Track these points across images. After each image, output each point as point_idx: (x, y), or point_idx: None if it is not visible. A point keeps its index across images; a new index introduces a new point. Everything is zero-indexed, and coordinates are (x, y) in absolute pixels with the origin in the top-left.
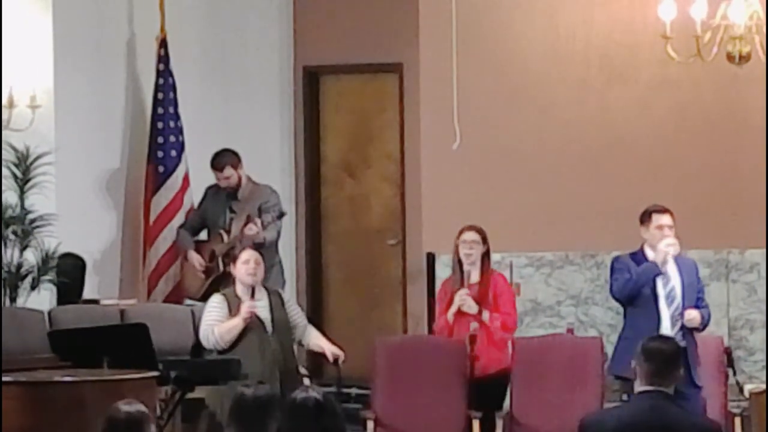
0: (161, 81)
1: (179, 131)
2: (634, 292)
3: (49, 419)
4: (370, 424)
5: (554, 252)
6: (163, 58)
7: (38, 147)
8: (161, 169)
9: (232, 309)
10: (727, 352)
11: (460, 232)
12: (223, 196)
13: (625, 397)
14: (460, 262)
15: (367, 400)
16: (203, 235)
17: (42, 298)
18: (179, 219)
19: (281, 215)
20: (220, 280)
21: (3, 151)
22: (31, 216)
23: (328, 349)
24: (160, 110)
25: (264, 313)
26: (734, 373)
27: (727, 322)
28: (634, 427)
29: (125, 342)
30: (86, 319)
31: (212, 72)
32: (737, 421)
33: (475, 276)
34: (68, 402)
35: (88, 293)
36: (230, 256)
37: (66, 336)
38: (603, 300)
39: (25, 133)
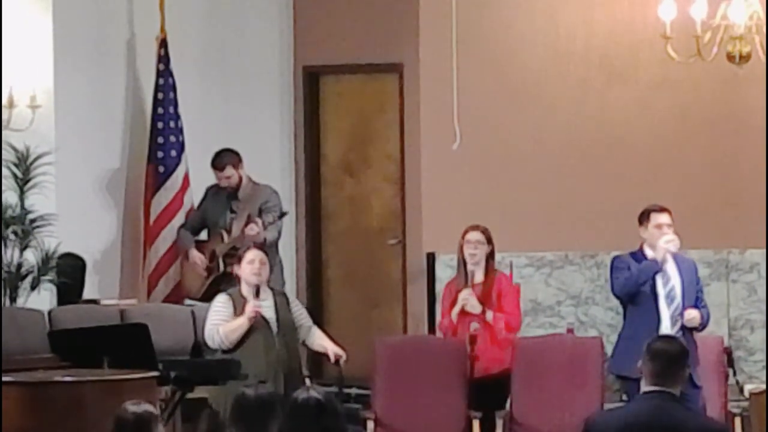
0: (161, 81)
1: (179, 131)
2: (635, 289)
3: (49, 419)
4: (370, 424)
5: (554, 252)
6: (163, 58)
7: (38, 147)
8: (161, 169)
9: (238, 309)
10: (727, 352)
11: (465, 232)
12: (223, 196)
13: (624, 396)
14: (464, 262)
15: (367, 400)
16: (203, 235)
17: (42, 298)
18: (179, 219)
19: (282, 215)
20: (220, 280)
21: (3, 151)
22: (31, 216)
23: (331, 349)
24: (160, 110)
25: (269, 313)
26: (734, 373)
27: (727, 322)
28: (639, 427)
29: (125, 342)
30: (86, 319)
31: (212, 72)
32: (737, 421)
33: (479, 276)
34: (68, 402)
35: (88, 293)
36: (231, 256)
37: (66, 336)
38: (603, 300)
39: (25, 133)
